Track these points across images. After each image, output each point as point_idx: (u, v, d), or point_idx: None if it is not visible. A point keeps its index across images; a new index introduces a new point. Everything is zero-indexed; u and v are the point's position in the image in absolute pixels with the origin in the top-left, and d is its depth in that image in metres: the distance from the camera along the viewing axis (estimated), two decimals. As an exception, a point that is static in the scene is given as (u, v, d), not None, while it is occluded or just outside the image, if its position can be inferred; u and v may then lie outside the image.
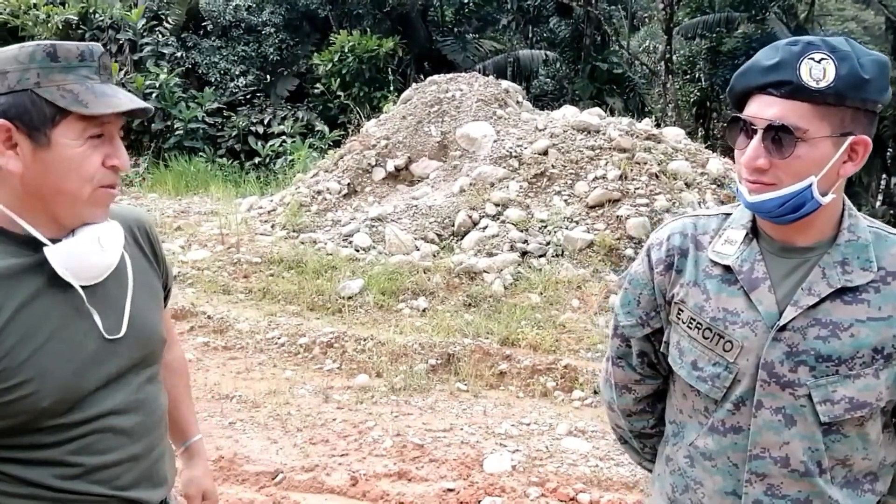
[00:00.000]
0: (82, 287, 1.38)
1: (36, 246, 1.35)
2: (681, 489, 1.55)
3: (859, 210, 1.52)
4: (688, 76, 19.81)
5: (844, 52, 1.30)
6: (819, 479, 1.40)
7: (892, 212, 18.17)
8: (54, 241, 1.36)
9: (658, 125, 9.43)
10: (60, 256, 1.34)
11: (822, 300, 1.38)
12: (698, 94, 19.65)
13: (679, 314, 1.52)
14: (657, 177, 7.80)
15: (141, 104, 1.36)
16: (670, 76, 16.81)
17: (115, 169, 1.36)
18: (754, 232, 1.47)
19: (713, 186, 7.97)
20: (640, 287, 1.61)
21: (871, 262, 1.38)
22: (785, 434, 1.40)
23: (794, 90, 1.30)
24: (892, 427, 1.47)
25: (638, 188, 7.66)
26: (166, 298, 1.69)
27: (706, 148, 9.16)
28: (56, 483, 1.37)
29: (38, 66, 1.30)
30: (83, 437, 1.39)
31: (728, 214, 1.53)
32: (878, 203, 21.04)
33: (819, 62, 1.29)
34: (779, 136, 1.32)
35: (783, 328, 1.39)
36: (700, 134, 18.92)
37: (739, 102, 1.40)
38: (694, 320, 1.48)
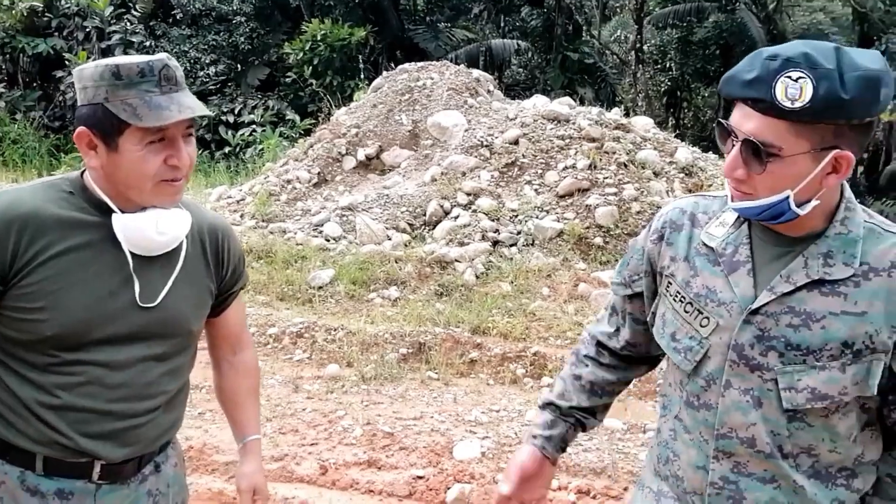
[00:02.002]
0: (135, 255, 1.61)
1: (104, 211, 1.60)
2: (664, 460, 1.58)
3: None
4: (658, 66, 19.94)
5: (825, 70, 1.24)
6: (783, 463, 1.41)
7: (858, 200, 18.40)
8: (124, 212, 1.60)
9: (628, 115, 9.50)
10: (122, 224, 1.58)
11: (799, 289, 1.37)
12: (669, 83, 19.78)
13: (668, 287, 1.55)
14: (626, 166, 7.86)
15: (190, 113, 1.56)
16: (641, 66, 16.92)
17: (175, 167, 1.57)
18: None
19: (681, 175, 8.05)
20: (634, 251, 1.67)
21: (854, 257, 1.36)
22: (752, 415, 1.41)
23: (769, 108, 1.27)
24: (875, 427, 1.45)
25: (607, 177, 7.72)
26: (225, 303, 1.88)
27: (676, 137, 9.25)
28: (34, 406, 1.57)
29: (106, 83, 1.54)
30: (71, 376, 1.58)
31: None
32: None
33: (796, 80, 1.24)
34: (755, 151, 1.30)
35: (756, 311, 1.40)
36: (670, 123, 19.06)
37: (730, 101, 1.40)
38: (679, 293, 1.51)
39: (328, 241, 7.53)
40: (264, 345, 5.61)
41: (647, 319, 1.65)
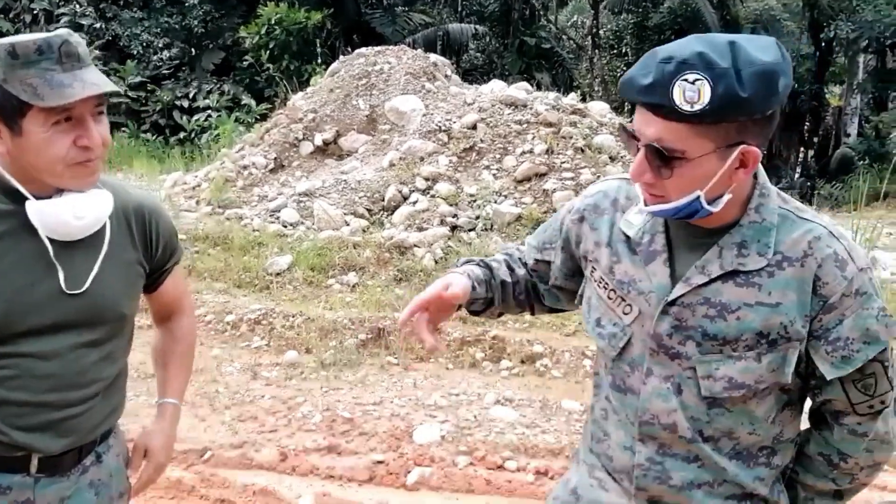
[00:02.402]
0: (54, 241, 1.54)
1: (17, 198, 1.53)
2: (596, 439, 1.60)
3: (777, 183, 1.54)
4: (615, 51, 20.09)
5: (721, 70, 1.21)
6: (704, 446, 1.44)
7: (808, 183, 18.85)
8: (39, 197, 1.53)
9: (584, 100, 9.55)
10: (37, 210, 1.52)
11: (714, 280, 1.38)
12: (625, 68, 19.92)
13: (593, 272, 1.55)
14: (583, 151, 7.92)
15: (96, 90, 1.47)
16: (597, 51, 17.03)
17: (87, 147, 1.50)
18: None
19: (637, 160, 8.13)
20: (554, 221, 1.69)
21: (768, 246, 1.36)
22: (672, 402, 1.43)
23: (669, 112, 1.24)
24: (795, 406, 1.48)
25: (564, 162, 7.77)
26: (159, 280, 1.83)
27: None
28: None
29: (2, 63, 1.45)
30: (1, 369, 1.52)
31: None
32: (796, 176, 21.79)
33: (693, 83, 1.21)
34: (660, 156, 1.28)
35: (672, 303, 1.41)
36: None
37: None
38: (603, 280, 1.52)
39: (285, 227, 7.47)
40: (222, 332, 5.57)
41: (552, 286, 1.70)
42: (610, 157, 7.98)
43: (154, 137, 13.06)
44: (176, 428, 1.93)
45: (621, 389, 1.51)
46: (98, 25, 14.07)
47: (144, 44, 14.53)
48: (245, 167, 8.63)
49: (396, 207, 7.62)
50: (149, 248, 1.74)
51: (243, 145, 9.31)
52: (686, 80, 1.22)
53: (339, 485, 3.71)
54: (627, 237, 1.49)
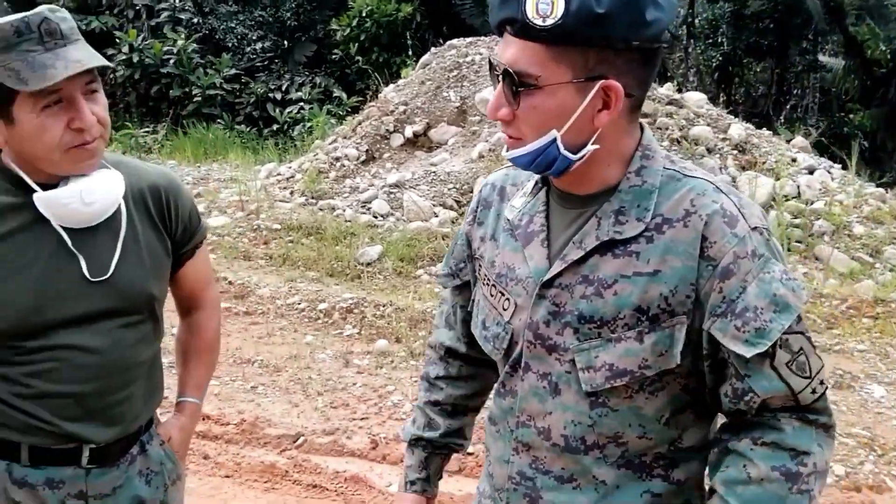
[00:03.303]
0: (71, 230, 1.50)
1: (27, 188, 1.48)
2: (486, 458, 1.45)
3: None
4: (710, 40, 19.50)
5: None
6: (584, 458, 1.24)
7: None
8: (46, 186, 1.49)
9: (679, 90, 9.31)
10: (44, 201, 1.47)
11: (591, 254, 1.20)
12: (721, 58, 19.34)
13: (479, 270, 1.40)
14: (679, 142, 7.72)
15: (79, 67, 1.38)
16: (692, 40, 16.57)
17: (81, 129, 1.43)
18: (544, 181, 1.30)
19: (735, 152, 7.88)
20: (458, 237, 1.51)
21: (647, 210, 1.18)
22: (549, 403, 1.25)
23: (522, 29, 1.10)
24: (698, 410, 1.25)
25: (659, 154, 7.59)
26: (181, 261, 1.74)
27: (728, 113, 9.04)
28: (10, 398, 1.51)
29: None
30: (40, 363, 1.51)
31: None
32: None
33: None
34: (512, 83, 1.13)
35: (549, 285, 1.23)
36: (722, 99, 18.66)
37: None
38: (486, 276, 1.36)
39: (376, 217, 7.55)
40: (315, 320, 5.66)
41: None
42: (707, 149, 7.76)
43: (248, 129, 13.37)
44: (195, 425, 1.88)
45: (501, 394, 1.33)
46: (196, 20, 14.50)
47: (239, 37, 14.90)
48: (337, 159, 8.75)
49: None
50: (168, 226, 1.68)
51: (336, 137, 9.44)
52: None
53: (430, 475, 3.71)
54: (508, 223, 1.34)
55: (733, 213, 1.16)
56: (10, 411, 1.52)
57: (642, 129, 1.25)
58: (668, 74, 16.86)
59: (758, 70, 19.51)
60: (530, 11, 1.09)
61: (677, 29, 17.85)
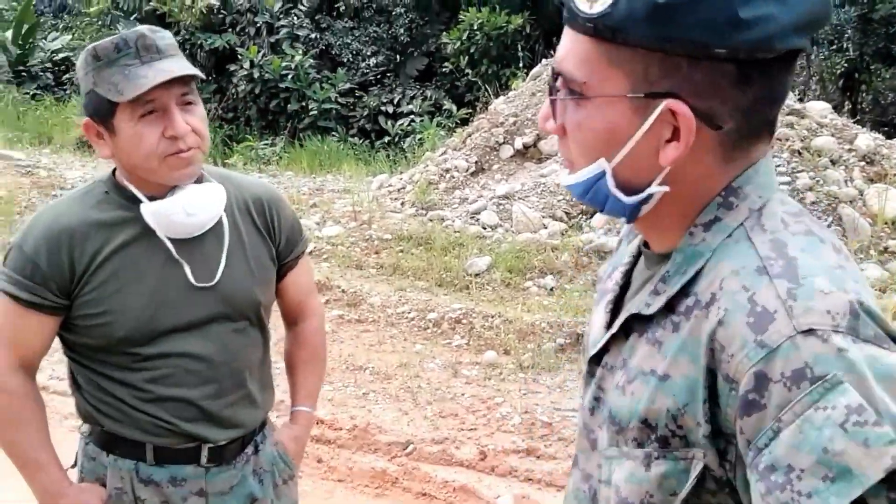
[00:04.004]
0: (177, 240, 1.60)
1: (139, 203, 1.60)
2: None
3: None
4: (834, 47, 18.66)
5: None
6: None
7: None
8: (153, 198, 1.60)
9: (801, 99, 8.94)
10: (150, 212, 1.58)
11: (628, 331, 0.94)
12: (846, 65, 18.47)
13: None
14: (800, 153, 7.42)
15: (167, 76, 1.48)
16: (815, 47, 15.90)
17: (175, 137, 1.52)
18: None
19: (862, 164, 7.50)
20: None
21: (679, 282, 0.87)
22: None
23: (570, 16, 0.85)
24: None
25: (779, 165, 7.31)
26: (283, 272, 1.83)
27: (854, 123, 8.63)
28: (133, 402, 1.63)
29: (91, 67, 1.52)
30: (156, 370, 1.62)
31: None
32: None
33: None
34: (555, 88, 0.89)
35: (596, 360, 0.99)
36: (847, 108, 17.80)
37: None
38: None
39: (485, 228, 7.58)
40: (424, 329, 5.73)
41: None
42: (831, 161, 7.43)
43: (361, 141, 13.68)
44: (308, 433, 1.95)
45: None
46: (313, 36, 14.97)
47: (354, 52, 15.28)
48: (447, 170, 8.84)
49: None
50: (272, 237, 1.77)
51: (446, 149, 9.54)
52: None
53: (538, 488, 3.69)
54: (600, 275, 1.13)
55: (767, 309, 0.77)
56: (135, 413, 1.63)
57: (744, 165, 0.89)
58: (789, 83, 16.22)
59: (887, 77, 18.52)
60: None
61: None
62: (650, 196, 0.88)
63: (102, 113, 1.53)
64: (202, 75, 1.63)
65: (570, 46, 0.87)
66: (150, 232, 1.60)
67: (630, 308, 0.93)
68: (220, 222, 1.66)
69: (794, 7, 0.79)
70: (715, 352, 0.80)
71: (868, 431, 0.69)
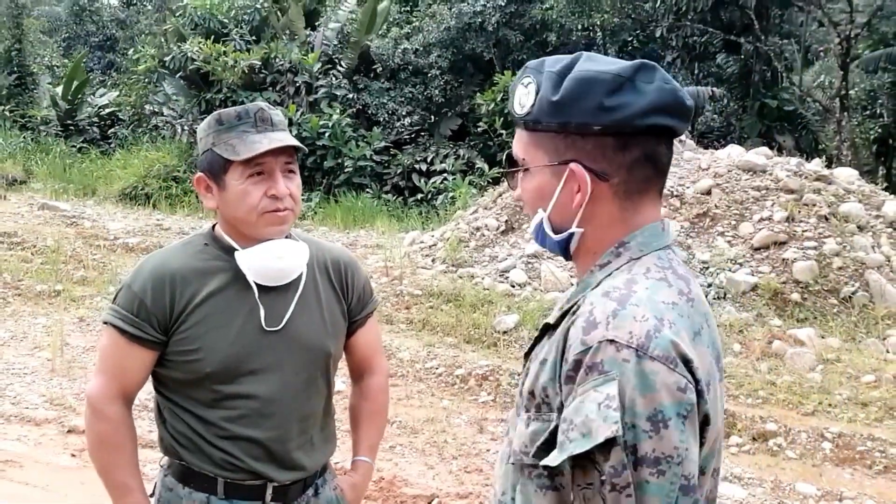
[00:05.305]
0: (261, 287, 1.78)
1: (231, 252, 1.79)
2: None
3: None
4: (867, 112, 18.71)
5: (548, 73, 1.19)
6: None
7: None
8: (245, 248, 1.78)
9: (830, 164, 9.03)
10: (244, 257, 1.77)
11: (542, 335, 1.28)
12: (879, 130, 18.49)
13: None
14: (827, 219, 7.48)
15: (279, 143, 1.72)
16: (845, 113, 15.97)
17: (275, 197, 1.74)
18: None
19: (889, 230, 7.54)
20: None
21: (570, 301, 1.22)
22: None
23: (514, 118, 1.25)
24: None
25: (806, 230, 7.37)
26: (353, 328, 1.99)
27: (886, 189, 8.68)
28: (210, 438, 1.77)
29: (212, 130, 1.76)
30: (233, 409, 1.77)
31: None
32: None
33: (527, 86, 1.22)
34: (511, 167, 1.28)
35: (527, 356, 1.34)
36: (881, 174, 17.76)
37: None
38: None
39: (513, 286, 7.70)
40: (451, 385, 5.82)
41: None
42: (858, 227, 7.47)
43: (394, 198, 13.95)
44: (368, 483, 2.08)
45: None
46: (351, 95, 15.39)
47: (389, 112, 15.66)
48: (478, 228, 9.01)
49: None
50: (346, 294, 1.94)
51: (477, 207, 9.73)
52: (523, 83, 1.23)
53: (560, 545, 3.73)
54: None
55: (595, 320, 1.10)
56: (210, 448, 1.77)
57: (663, 220, 1.24)
58: (820, 147, 16.29)
59: (921, 143, 18.47)
60: (516, 103, 1.24)
61: (830, 101, 17.27)
62: (572, 235, 1.23)
63: (216, 169, 1.75)
64: (305, 148, 1.87)
65: (516, 137, 1.26)
66: (241, 279, 1.77)
67: (548, 319, 1.26)
68: (298, 277, 1.83)
69: (647, 96, 1.15)
70: (566, 343, 1.13)
71: (608, 413, 1.03)
